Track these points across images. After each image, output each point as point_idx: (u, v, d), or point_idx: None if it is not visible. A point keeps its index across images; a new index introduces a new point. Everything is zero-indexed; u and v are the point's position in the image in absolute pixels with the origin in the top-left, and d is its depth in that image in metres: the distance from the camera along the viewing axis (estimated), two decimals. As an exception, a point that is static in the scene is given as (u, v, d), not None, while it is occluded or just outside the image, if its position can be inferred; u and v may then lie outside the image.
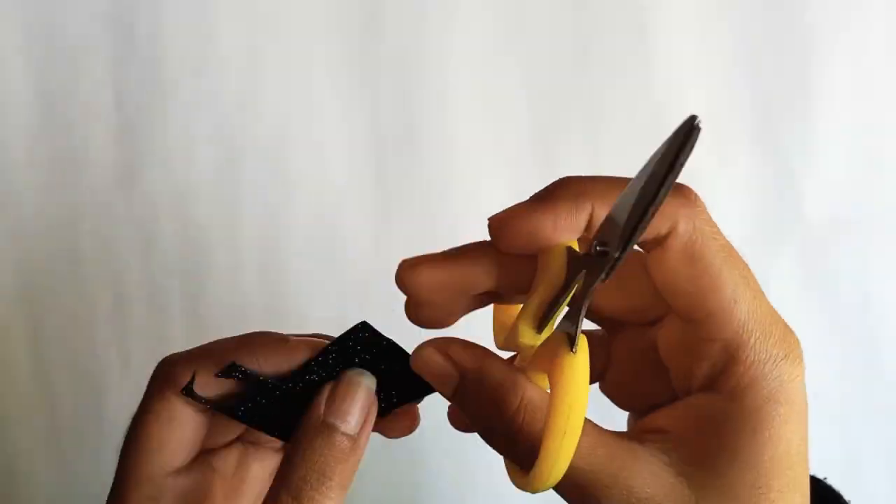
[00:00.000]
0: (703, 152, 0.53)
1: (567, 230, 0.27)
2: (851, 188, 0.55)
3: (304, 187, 0.54)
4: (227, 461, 0.34)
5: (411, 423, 0.33)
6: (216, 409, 0.31)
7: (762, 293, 0.28)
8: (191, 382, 0.30)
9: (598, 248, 0.26)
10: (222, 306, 0.54)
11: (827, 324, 0.56)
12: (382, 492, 0.52)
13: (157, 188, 0.53)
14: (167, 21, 0.52)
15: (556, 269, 0.27)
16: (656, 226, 0.27)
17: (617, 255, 0.24)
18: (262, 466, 0.34)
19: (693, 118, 0.22)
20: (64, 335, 0.53)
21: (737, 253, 0.28)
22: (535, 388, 0.28)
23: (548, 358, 0.27)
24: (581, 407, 0.26)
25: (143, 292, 0.53)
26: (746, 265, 0.28)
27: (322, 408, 0.30)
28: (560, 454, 0.26)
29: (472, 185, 0.54)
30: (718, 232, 0.28)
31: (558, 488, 0.27)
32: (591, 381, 0.30)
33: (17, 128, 0.52)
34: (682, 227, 0.27)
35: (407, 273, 0.29)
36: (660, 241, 0.27)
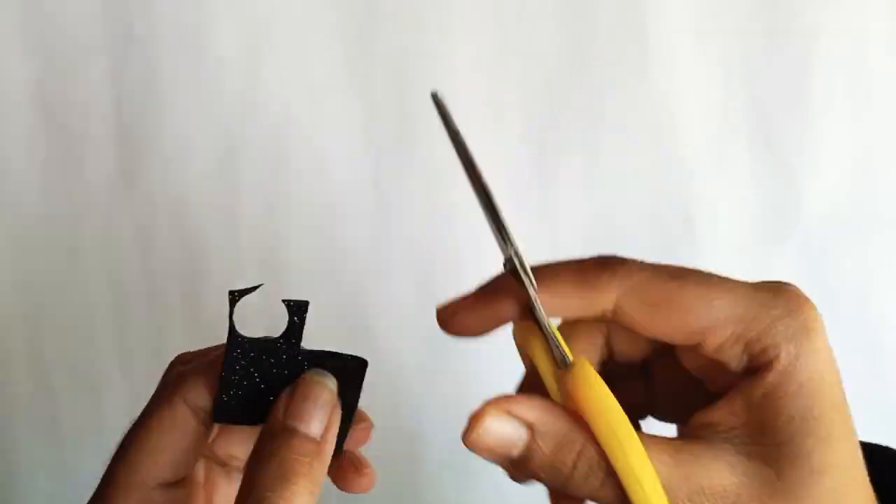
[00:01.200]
0: (703, 152, 0.54)
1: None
2: (851, 188, 0.55)
3: (304, 187, 0.53)
4: (198, 477, 0.33)
5: (368, 481, 0.32)
6: (224, 420, 0.31)
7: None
8: (223, 408, 0.30)
9: (506, 267, 0.29)
10: (222, 306, 0.53)
11: (827, 324, 0.56)
12: (382, 492, 0.52)
13: (157, 188, 0.53)
14: (167, 21, 0.52)
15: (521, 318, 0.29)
16: (756, 354, 0.27)
17: (512, 265, 0.27)
18: (228, 483, 0.34)
19: (433, 93, 0.24)
20: (64, 335, 0.53)
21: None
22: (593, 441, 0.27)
23: (564, 390, 0.27)
24: (620, 423, 0.26)
25: (143, 292, 0.53)
26: None
27: (280, 411, 0.29)
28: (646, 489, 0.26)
29: (472, 185, 0.54)
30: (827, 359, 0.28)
31: None
32: (642, 416, 0.32)
33: (17, 128, 0.52)
34: (784, 358, 0.27)
35: (449, 323, 0.30)
36: (755, 371, 0.27)
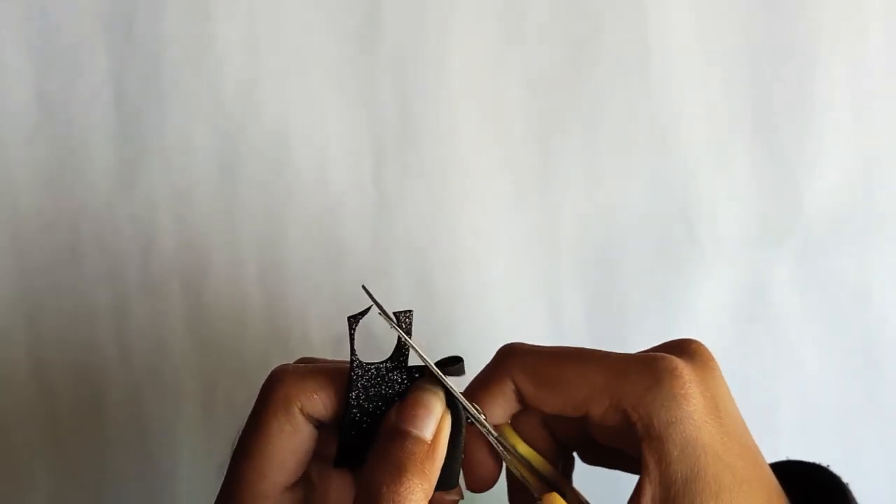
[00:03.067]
0: (703, 152, 0.54)
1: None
2: (851, 188, 0.55)
3: (304, 187, 0.54)
4: (312, 475, 0.34)
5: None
6: (347, 464, 0.32)
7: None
8: (347, 454, 0.31)
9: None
10: (222, 306, 0.54)
11: (827, 324, 0.56)
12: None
13: (157, 188, 0.53)
14: (167, 21, 0.52)
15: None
16: (635, 423, 0.30)
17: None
18: (340, 477, 0.34)
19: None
20: (64, 335, 0.53)
21: None
22: None
23: None
24: None
25: (143, 292, 0.53)
26: None
27: (393, 416, 0.31)
28: None
29: (472, 185, 0.54)
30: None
31: None
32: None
33: (17, 128, 0.52)
34: (657, 425, 0.30)
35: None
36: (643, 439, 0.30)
